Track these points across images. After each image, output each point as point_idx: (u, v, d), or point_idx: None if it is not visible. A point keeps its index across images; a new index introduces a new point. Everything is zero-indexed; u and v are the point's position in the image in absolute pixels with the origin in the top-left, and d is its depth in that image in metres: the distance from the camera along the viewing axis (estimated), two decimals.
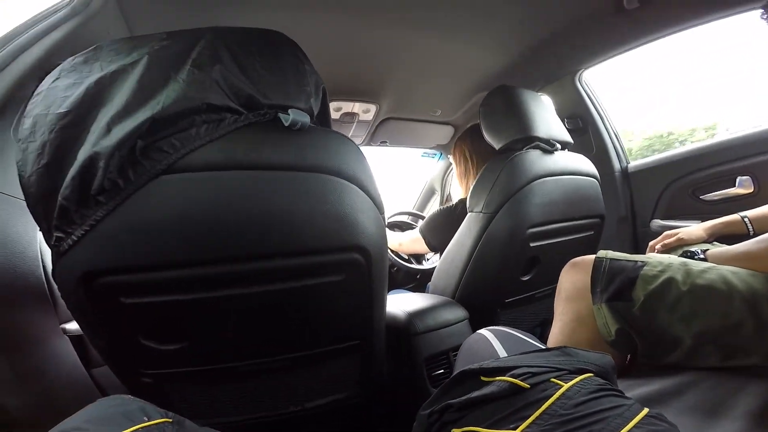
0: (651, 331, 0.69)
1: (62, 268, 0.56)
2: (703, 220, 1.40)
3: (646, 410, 0.40)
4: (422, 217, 2.07)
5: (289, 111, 0.60)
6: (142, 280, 0.58)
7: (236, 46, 0.61)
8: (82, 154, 0.51)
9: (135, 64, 0.56)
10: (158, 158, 0.53)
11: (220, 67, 0.57)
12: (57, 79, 0.55)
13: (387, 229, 1.53)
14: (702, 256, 0.77)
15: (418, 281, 1.98)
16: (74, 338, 0.86)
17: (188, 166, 0.54)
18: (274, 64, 0.64)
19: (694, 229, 0.94)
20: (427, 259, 2.00)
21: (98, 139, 0.51)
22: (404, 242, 1.64)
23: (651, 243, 0.98)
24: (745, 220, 0.91)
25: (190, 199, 0.55)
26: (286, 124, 0.60)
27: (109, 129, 0.51)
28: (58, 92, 0.54)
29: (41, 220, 0.55)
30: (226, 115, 0.57)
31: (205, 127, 0.55)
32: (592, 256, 0.77)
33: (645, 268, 0.71)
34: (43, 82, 0.56)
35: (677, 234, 0.93)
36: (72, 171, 0.51)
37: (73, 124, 0.52)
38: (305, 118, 0.61)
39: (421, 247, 1.51)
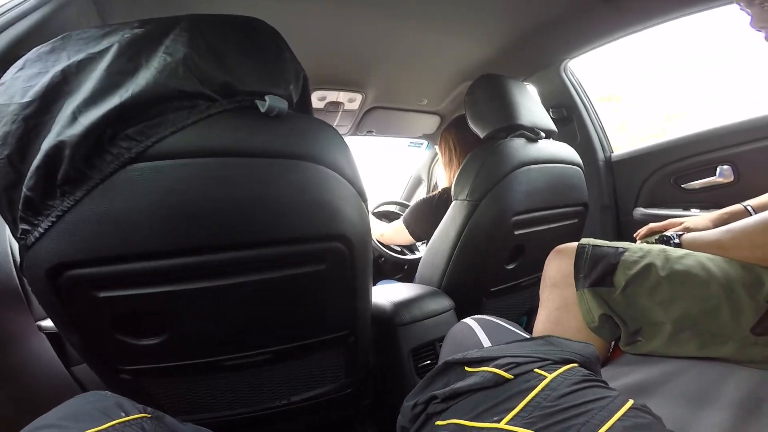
0: (632, 315, 0.70)
1: (30, 262, 0.54)
2: (684, 209, 1.43)
3: (630, 402, 0.40)
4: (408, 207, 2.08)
5: (266, 97, 0.58)
6: (113, 272, 0.56)
7: (212, 32, 0.59)
8: (47, 144, 0.49)
9: (104, 53, 0.54)
10: (127, 146, 0.51)
11: (193, 54, 0.55)
12: (21, 69, 0.53)
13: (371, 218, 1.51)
14: (677, 240, 0.78)
15: (405, 272, 1.98)
16: (51, 335, 0.84)
17: (159, 153, 0.53)
18: (252, 51, 0.62)
19: (699, 219, 0.94)
20: (418, 249, 2.00)
21: (63, 128, 0.49)
22: (386, 232, 1.63)
23: (653, 225, 0.98)
24: (749, 208, 0.92)
25: (162, 187, 0.53)
26: (263, 110, 0.58)
27: (75, 117, 0.49)
28: (21, 82, 0.52)
29: (6, 212, 0.53)
30: (199, 102, 0.55)
31: (177, 114, 0.53)
32: (576, 243, 0.78)
33: (626, 254, 0.72)
34: (6, 73, 0.54)
35: (683, 223, 0.94)
36: (36, 161, 0.49)
37: (37, 114, 0.50)
38: (283, 105, 0.60)
39: (403, 236, 1.50)
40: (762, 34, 0.75)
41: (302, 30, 1.21)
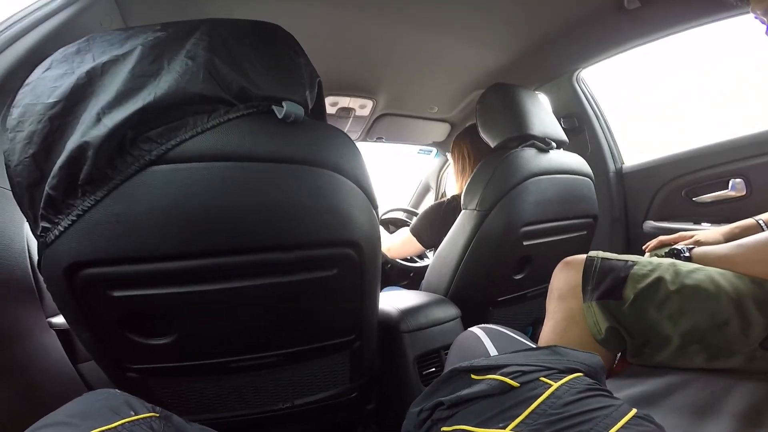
0: (640, 329, 0.69)
1: (48, 259, 0.55)
2: (695, 223, 1.42)
3: (634, 411, 0.40)
4: (417, 214, 2.07)
5: (283, 103, 0.59)
6: (128, 272, 0.57)
7: (231, 37, 0.60)
8: (71, 144, 0.50)
9: (128, 55, 0.55)
10: (148, 149, 0.52)
11: (213, 59, 0.56)
12: (48, 69, 0.55)
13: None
14: (688, 254, 0.78)
15: (411, 279, 1.97)
16: (61, 332, 0.85)
17: (178, 157, 0.54)
18: (269, 57, 0.63)
19: (710, 232, 0.93)
20: (427, 256, 1.99)
21: (88, 129, 0.50)
22: (393, 246, 1.60)
23: (663, 238, 0.97)
24: (761, 223, 0.91)
25: (180, 190, 0.54)
26: (280, 116, 0.59)
27: (99, 119, 0.50)
28: (47, 82, 0.53)
29: (27, 209, 0.54)
30: (219, 106, 0.56)
31: (197, 118, 0.54)
32: (584, 256, 0.78)
33: (635, 267, 0.72)
34: (33, 73, 0.55)
35: (694, 237, 0.93)
36: (60, 160, 0.50)
37: (62, 114, 0.52)
38: (299, 111, 0.61)
39: (412, 246, 1.49)
40: None
41: (316, 35, 1.22)
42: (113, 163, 0.52)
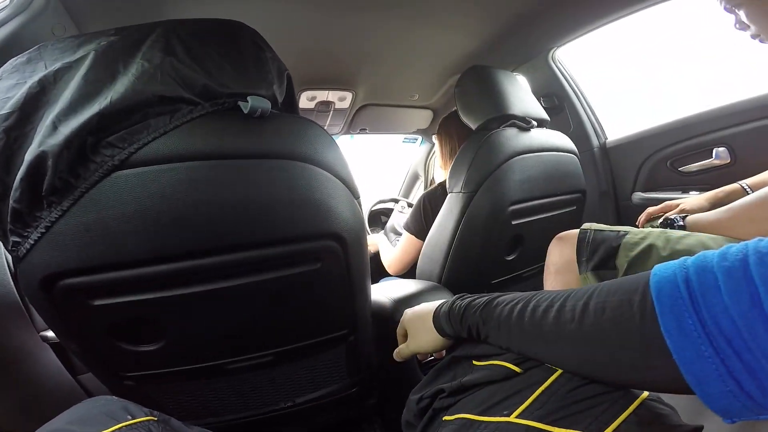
0: None
1: (23, 273, 0.54)
2: (683, 192, 1.43)
3: (645, 393, 0.39)
4: (409, 204, 2.05)
5: (248, 98, 0.58)
6: (105, 280, 0.56)
7: (190, 37, 0.59)
8: (30, 155, 0.49)
9: (80, 61, 0.54)
10: (110, 154, 0.51)
11: (171, 59, 0.55)
12: None
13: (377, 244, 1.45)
14: (682, 223, 0.78)
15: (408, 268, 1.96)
16: (55, 345, 0.84)
17: (143, 160, 0.52)
18: (232, 53, 0.61)
19: (695, 199, 0.94)
20: None
21: (45, 138, 0.49)
22: (393, 260, 1.49)
23: (650, 210, 0.97)
24: (745, 186, 0.91)
25: (148, 193, 0.53)
26: (246, 111, 0.57)
27: (55, 127, 0.49)
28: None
29: None
30: (181, 106, 0.54)
31: (159, 119, 0.53)
32: (577, 230, 0.78)
33: (627, 236, 0.72)
34: None
35: (680, 205, 0.93)
36: (20, 173, 0.49)
37: (18, 125, 0.50)
38: (266, 105, 0.59)
39: (412, 247, 1.42)
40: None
41: (288, 30, 1.20)
42: (76, 171, 0.50)
